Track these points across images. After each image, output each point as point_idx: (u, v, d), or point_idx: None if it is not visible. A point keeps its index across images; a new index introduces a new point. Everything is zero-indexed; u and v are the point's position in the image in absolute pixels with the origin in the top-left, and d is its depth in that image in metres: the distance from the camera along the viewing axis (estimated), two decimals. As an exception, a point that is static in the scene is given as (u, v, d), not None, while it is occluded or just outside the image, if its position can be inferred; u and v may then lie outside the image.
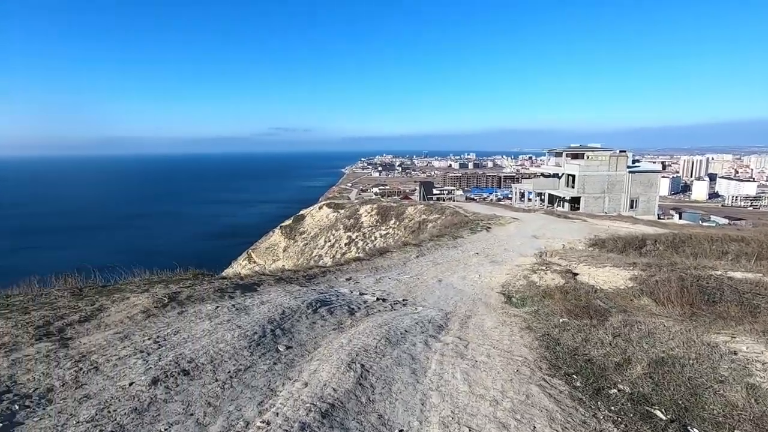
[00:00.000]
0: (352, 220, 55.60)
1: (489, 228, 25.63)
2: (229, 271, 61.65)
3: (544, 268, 11.89)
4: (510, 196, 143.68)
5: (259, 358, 5.19)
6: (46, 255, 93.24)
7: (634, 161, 58.27)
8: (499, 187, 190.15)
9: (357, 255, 14.10)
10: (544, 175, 68.53)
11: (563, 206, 58.42)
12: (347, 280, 11.25)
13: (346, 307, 7.91)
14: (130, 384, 4.22)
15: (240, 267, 60.92)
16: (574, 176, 56.17)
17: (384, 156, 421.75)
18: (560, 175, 61.14)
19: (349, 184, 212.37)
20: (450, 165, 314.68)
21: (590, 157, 56.02)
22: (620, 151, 57.01)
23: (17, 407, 3.60)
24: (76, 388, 4.05)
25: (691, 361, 5.19)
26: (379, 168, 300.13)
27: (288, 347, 5.64)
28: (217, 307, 6.70)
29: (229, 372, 4.74)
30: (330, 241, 54.49)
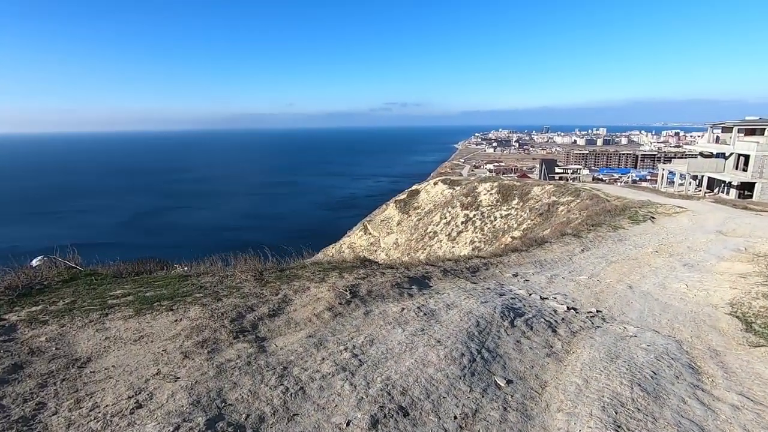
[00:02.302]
0: (469, 198, 53.21)
1: (653, 218, 21.50)
2: (346, 240, 64.66)
3: (790, 284, 8.78)
4: (650, 177, 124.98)
5: (482, 396, 3.97)
6: (190, 214, 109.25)
7: None
8: (635, 167, 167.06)
9: (514, 245, 12.34)
10: (702, 154, 57.06)
11: (728, 193, 48.05)
12: (514, 276, 9.67)
13: (543, 321, 6.37)
14: (347, 424, 3.30)
15: (357, 237, 63.29)
16: (748, 156, 45.36)
17: (500, 131, 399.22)
18: (726, 154, 50.03)
19: (462, 160, 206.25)
20: (575, 141, 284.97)
21: (774, 133, 44.57)
22: (824, 125, 44.24)
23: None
24: (288, 420, 3.25)
25: None
26: (494, 144, 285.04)
27: (508, 381, 4.34)
28: (403, 309, 5.70)
29: (455, 417, 3.59)
30: (446, 218, 53.04)
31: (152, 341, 4.16)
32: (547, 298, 8.15)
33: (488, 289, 7.89)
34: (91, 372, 3.60)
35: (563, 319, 6.82)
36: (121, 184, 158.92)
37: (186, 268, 6.93)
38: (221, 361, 3.92)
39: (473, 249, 43.07)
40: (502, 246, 35.96)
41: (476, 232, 46.17)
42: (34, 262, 6.12)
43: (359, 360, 4.27)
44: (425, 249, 48.70)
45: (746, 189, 46.46)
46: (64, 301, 4.96)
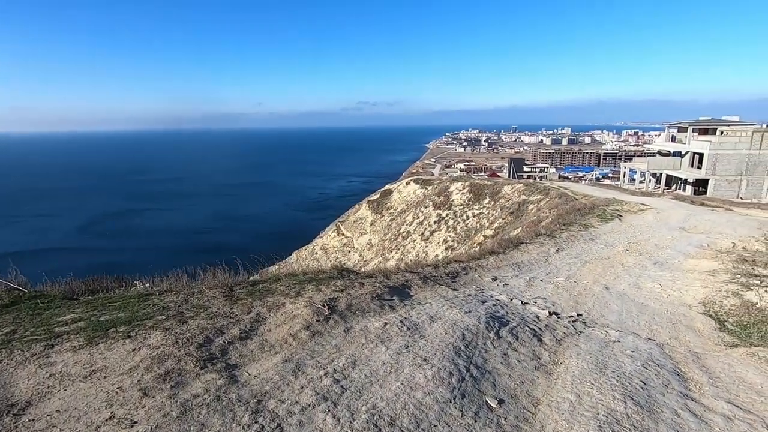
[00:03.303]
0: (441, 198, 53.52)
1: (621, 216, 22.10)
2: (319, 242, 63.69)
3: (757, 281, 9.04)
4: (612, 175, 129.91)
5: (474, 421, 3.70)
6: (157, 216, 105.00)
7: (786, 137, 47.79)
8: (598, 165, 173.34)
9: (491, 247, 12.25)
10: (661, 153, 59.66)
11: (684, 189, 50.46)
12: (493, 280, 9.54)
13: (527, 329, 6.21)
14: (334, 467, 2.95)
15: (329, 238, 62.53)
16: (702, 155, 47.76)
17: (469, 131, 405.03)
18: (683, 153, 52.51)
19: (433, 159, 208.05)
20: (541, 140, 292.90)
21: (725, 132, 47.01)
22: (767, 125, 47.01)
23: None
24: (266, 469, 2.86)
25: None
26: (464, 143, 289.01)
27: (499, 401, 4.10)
28: (386, 324, 5.38)
29: (449, 448, 3.31)
30: (418, 217, 53.15)
31: (106, 377, 3.67)
32: (528, 303, 8.04)
33: (469, 295, 7.69)
34: (29, 420, 3.10)
35: (547, 325, 6.69)
36: (84, 185, 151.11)
37: (147, 285, 6.37)
38: (186, 397, 3.48)
39: (446, 248, 43.34)
40: (477, 246, 36.30)
41: (449, 232, 46.46)
42: (-31, 284, 5.42)
43: (341, 386, 3.92)
44: (399, 249, 48.64)
45: (701, 185, 48.89)
46: (2, 330, 4.36)
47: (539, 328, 6.44)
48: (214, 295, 5.60)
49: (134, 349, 4.08)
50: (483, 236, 38.87)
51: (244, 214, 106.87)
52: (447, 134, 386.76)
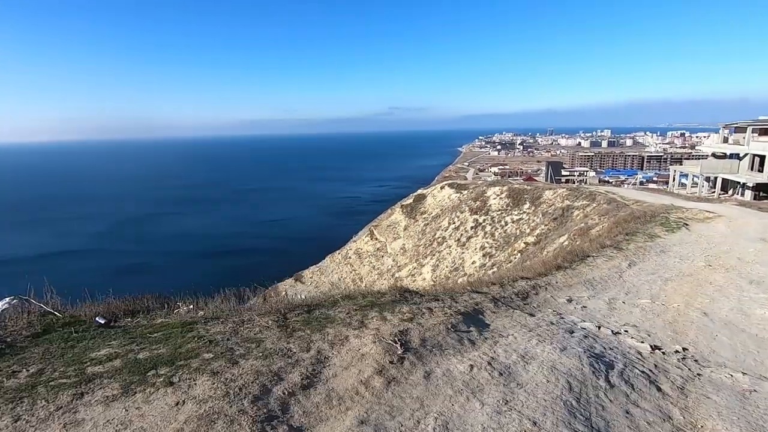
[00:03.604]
0: (478, 203, 51.90)
1: (687, 225, 20.10)
2: (352, 246, 63.41)
3: None
4: (657, 179, 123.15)
5: None
6: (180, 221, 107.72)
7: None
8: (641, 168, 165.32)
9: (558, 263, 10.99)
10: (715, 155, 55.51)
11: (743, 194, 46.54)
12: (569, 301, 8.35)
13: (638, 372, 5.05)
14: None
15: (363, 243, 61.99)
16: (763, 157, 43.84)
17: (503, 134, 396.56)
18: (741, 155, 48.50)
19: (466, 164, 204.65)
20: (579, 143, 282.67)
21: (790, 132, 43.07)
22: None
23: None
24: None
25: None
26: (498, 146, 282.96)
27: (649, 491, 3.03)
28: (472, 366, 4.39)
29: None
30: (454, 222, 51.73)
31: (143, 444, 2.89)
32: (619, 333, 6.83)
33: (551, 323, 6.57)
34: None
35: (656, 366, 5.49)
36: (120, 192, 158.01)
37: (191, 306, 5.66)
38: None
39: (484, 255, 41.77)
40: (518, 254, 34.55)
41: (487, 238, 44.82)
42: (0, 306, 4.87)
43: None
44: (434, 255, 47.41)
45: (762, 190, 44.94)
46: (29, 369, 3.70)
47: (650, 371, 5.26)
48: (267, 325, 4.79)
49: (177, 403, 3.29)
50: (524, 243, 37.13)
51: (276, 219, 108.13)
52: (480, 138, 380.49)
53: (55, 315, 4.78)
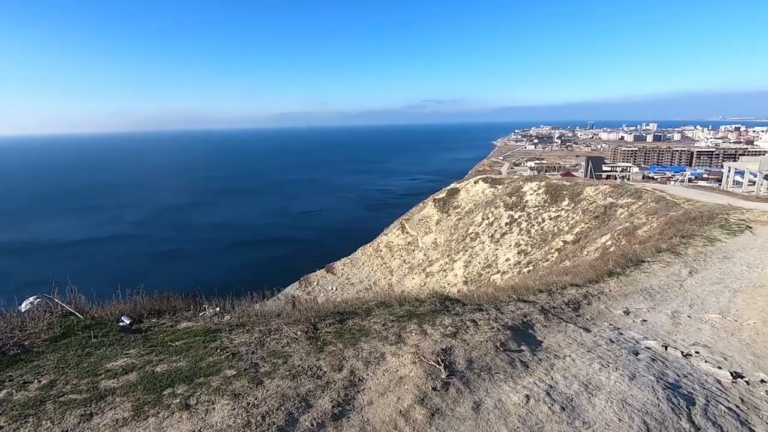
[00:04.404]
0: (514, 198, 50.28)
1: (750, 228, 18.36)
2: (383, 239, 63.10)
3: None
4: (707, 176, 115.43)
5: None
6: (217, 210, 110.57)
7: None
8: (690, 165, 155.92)
9: (609, 268, 10.05)
10: (779, 151, 51.13)
11: (809, 195, 42.63)
12: (626, 314, 7.51)
13: (723, 409, 4.28)
14: None
15: (394, 236, 61.57)
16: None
17: (541, 127, 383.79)
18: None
19: (500, 158, 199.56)
20: (622, 137, 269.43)
21: None
22: None
23: None
24: None
25: None
26: (535, 140, 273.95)
27: None
28: (528, 398, 3.78)
29: None
30: (488, 218, 50.39)
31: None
32: (690, 355, 5.98)
33: (611, 341, 5.81)
34: None
35: (742, 400, 4.68)
36: (161, 182, 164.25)
37: (217, 309, 5.32)
38: None
39: (519, 252, 40.39)
40: (556, 252, 33.09)
41: (522, 234, 43.37)
42: (24, 306, 4.68)
43: None
44: (466, 250, 46.38)
45: (833, 190, 41.19)
46: (40, 380, 3.41)
47: (737, 406, 4.47)
48: (296, 336, 4.35)
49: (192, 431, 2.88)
50: (562, 241, 35.59)
51: (307, 210, 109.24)
52: (516, 131, 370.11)
53: (77, 317, 4.53)
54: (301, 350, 4.10)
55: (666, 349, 6.08)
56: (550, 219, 44.54)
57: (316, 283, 56.72)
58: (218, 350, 3.97)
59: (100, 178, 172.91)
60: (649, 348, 5.95)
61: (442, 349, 4.29)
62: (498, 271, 40.75)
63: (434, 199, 64.67)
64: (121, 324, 5.12)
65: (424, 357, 4.08)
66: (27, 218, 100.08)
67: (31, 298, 4.72)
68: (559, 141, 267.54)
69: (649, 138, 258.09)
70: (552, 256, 34.32)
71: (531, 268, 35.08)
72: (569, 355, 4.96)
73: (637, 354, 5.47)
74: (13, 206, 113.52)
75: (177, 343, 4.10)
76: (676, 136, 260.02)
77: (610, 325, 6.79)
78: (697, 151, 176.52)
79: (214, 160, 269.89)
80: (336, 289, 56.27)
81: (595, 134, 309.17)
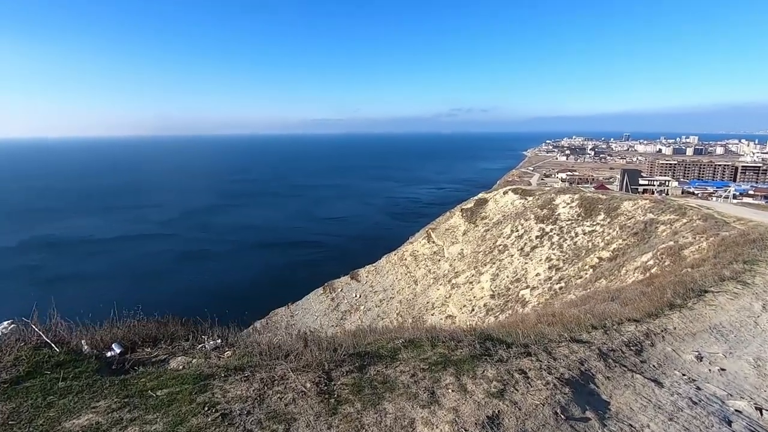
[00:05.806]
0: (545, 211, 48.42)
1: (824, 254, 16.38)
2: (408, 248, 62.03)
3: None
4: (752, 192, 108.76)
5: None
6: (243, 213, 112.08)
7: None
8: (734, 180, 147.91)
9: (668, 298, 8.78)
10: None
11: None
12: (699, 359, 6.30)
13: None
14: None
15: (419, 245, 60.43)
16: None
17: (573, 138, 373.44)
18: None
19: (531, 168, 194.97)
20: (660, 150, 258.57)
21: None
22: None
23: None
24: None
25: None
26: (567, 151, 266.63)
27: None
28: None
29: None
30: (517, 230, 48.67)
31: None
32: (792, 425, 4.78)
33: (693, 403, 4.69)
34: None
35: None
36: (191, 184, 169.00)
37: (219, 341, 4.56)
38: None
39: (550, 267, 38.53)
40: (590, 270, 31.20)
41: (553, 249, 41.46)
42: (-5, 332, 4.06)
43: None
44: (494, 263, 44.77)
45: None
46: (-22, 445, 2.70)
47: None
48: (304, 389, 3.50)
49: None
50: (597, 258, 33.62)
51: (334, 216, 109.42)
52: (547, 141, 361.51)
53: (52, 349, 3.85)
54: (309, 411, 3.25)
55: (762, 414, 4.89)
56: (584, 234, 42.51)
57: (340, 290, 56.23)
58: (206, 408, 3.17)
59: (130, 179, 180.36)
60: (739, 412, 4.80)
61: (487, 417, 3.35)
62: (527, 286, 39.04)
63: (462, 209, 63.22)
64: (109, 354, 4.43)
65: (465, 429, 3.15)
66: (64, 216, 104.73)
67: (6, 323, 4.09)
68: (593, 152, 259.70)
69: (689, 151, 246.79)
70: (586, 273, 32.47)
71: (563, 285, 33.31)
72: (647, 426, 3.90)
73: (730, 424, 4.34)
74: (53, 205, 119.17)
75: (159, 393, 3.33)
76: (719, 150, 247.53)
77: (683, 375, 5.62)
78: (742, 166, 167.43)
79: (245, 163, 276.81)
80: (359, 297, 55.63)
81: (630, 146, 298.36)
